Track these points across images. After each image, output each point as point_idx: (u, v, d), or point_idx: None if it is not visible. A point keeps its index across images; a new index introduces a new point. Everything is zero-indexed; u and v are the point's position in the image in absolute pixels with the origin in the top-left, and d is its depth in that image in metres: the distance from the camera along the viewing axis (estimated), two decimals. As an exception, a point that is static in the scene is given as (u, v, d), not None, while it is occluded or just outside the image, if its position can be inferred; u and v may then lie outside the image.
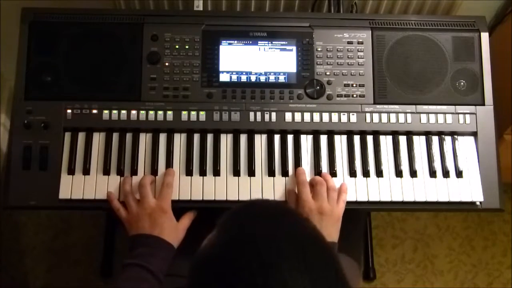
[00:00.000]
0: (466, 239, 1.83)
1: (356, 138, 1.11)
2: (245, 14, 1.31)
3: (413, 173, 1.09)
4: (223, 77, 1.11)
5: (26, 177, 1.05)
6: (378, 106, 1.12)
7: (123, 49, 1.11)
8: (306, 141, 1.10)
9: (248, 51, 1.13)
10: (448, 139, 1.12)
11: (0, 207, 1.08)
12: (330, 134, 1.11)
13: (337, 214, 1.02)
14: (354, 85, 1.12)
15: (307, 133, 1.11)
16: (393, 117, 1.11)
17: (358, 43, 1.14)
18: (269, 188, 1.07)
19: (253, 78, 1.12)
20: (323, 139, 1.11)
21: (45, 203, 1.05)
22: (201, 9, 1.27)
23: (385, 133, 1.12)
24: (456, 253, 1.82)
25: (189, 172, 1.07)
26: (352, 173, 1.09)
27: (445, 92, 1.13)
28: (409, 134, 1.12)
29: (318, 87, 1.11)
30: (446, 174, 1.10)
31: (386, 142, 1.11)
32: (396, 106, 1.12)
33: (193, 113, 1.09)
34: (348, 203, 1.05)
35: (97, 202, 1.05)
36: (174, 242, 0.99)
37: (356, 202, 1.07)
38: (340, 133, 1.11)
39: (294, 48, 1.13)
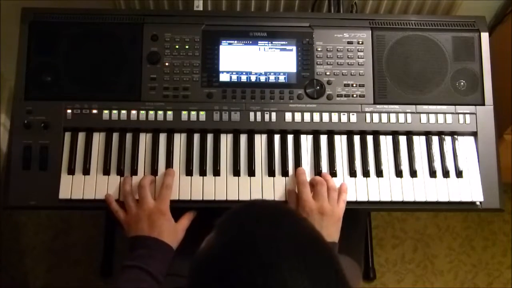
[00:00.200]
0: (466, 239, 1.83)
1: (356, 138, 1.11)
2: (245, 14, 1.31)
3: (413, 173, 1.09)
4: (223, 77, 1.11)
5: (26, 177, 1.05)
6: (378, 106, 1.12)
7: (123, 49, 1.11)
8: (306, 141, 1.10)
9: (248, 51, 1.13)
10: (448, 139, 1.12)
11: (0, 207, 1.08)
12: (330, 134, 1.11)
13: (337, 214, 1.02)
14: (354, 85, 1.12)
15: (307, 133, 1.11)
16: (393, 117, 1.11)
17: (358, 43, 1.14)
18: (269, 188, 1.07)
19: (253, 78, 1.12)
20: (323, 139, 1.11)
21: (45, 203, 1.05)
22: (201, 9, 1.27)
23: (385, 133, 1.12)
24: (456, 253, 1.82)
25: (189, 172, 1.07)
26: (352, 173, 1.09)
27: (445, 92, 1.13)
28: (409, 134, 1.12)
29: (318, 87, 1.11)
30: (446, 174, 1.10)
31: (386, 142, 1.11)
32: (396, 106, 1.12)
33: (193, 113, 1.09)
34: (348, 203, 1.05)
35: (97, 202, 1.05)
36: (173, 243, 0.99)
37: (356, 202, 1.07)
38: (340, 133, 1.11)
39: (294, 48, 1.13)
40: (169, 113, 1.09)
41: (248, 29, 1.13)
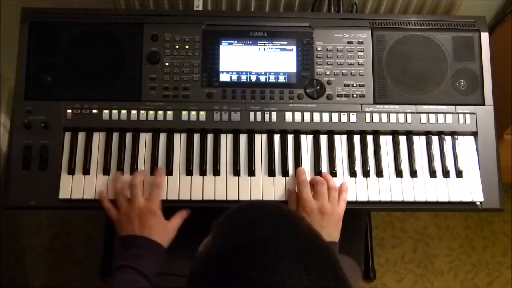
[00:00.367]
0: (466, 239, 1.83)
1: (356, 138, 1.11)
2: (245, 14, 1.31)
3: (413, 173, 1.09)
4: (223, 77, 1.11)
5: (26, 177, 1.05)
6: (378, 106, 1.12)
7: (123, 49, 1.11)
8: (306, 141, 1.10)
9: (248, 51, 1.12)
10: (448, 139, 1.12)
11: (0, 207, 1.08)
12: (330, 134, 1.11)
13: (338, 213, 1.02)
14: (354, 85, 1.12)
15: (307, 133, 1.11)
16: (393, 117, 1.11)
17: (358, 43, 1.14)
18: (269, 188, 1.07)
19: (253, 78, 1.12)
20: (323, 139, 1.11)
21: (45, 203, 1.05)
22: (201, 9, 1.27)
23: (385, 133, 1.12)
24: (456, 253, 1.82)
25: (189, 172, 1.07)
26: (352, 173, 1.09)
27: (445, 92, 1.13)
28: (409, 134, 1.12)
29: (318, 87, 1.11)
30: (446, 174, 1.10)
31: (386, 142, 1.11)
32: (396, 106, 1.12)
33: (193, 113, 1.09)
34: (348, 203, 1.05)
35: (97, 202, 1.05)
36: (163, 242, 1.00)
37: (356, 202, 1.07)
38: (340, 133, 1.11)
39: (294, 48, 1.13)
40: (169, 113, 1.09)
41: (248, 29, 1.14)
